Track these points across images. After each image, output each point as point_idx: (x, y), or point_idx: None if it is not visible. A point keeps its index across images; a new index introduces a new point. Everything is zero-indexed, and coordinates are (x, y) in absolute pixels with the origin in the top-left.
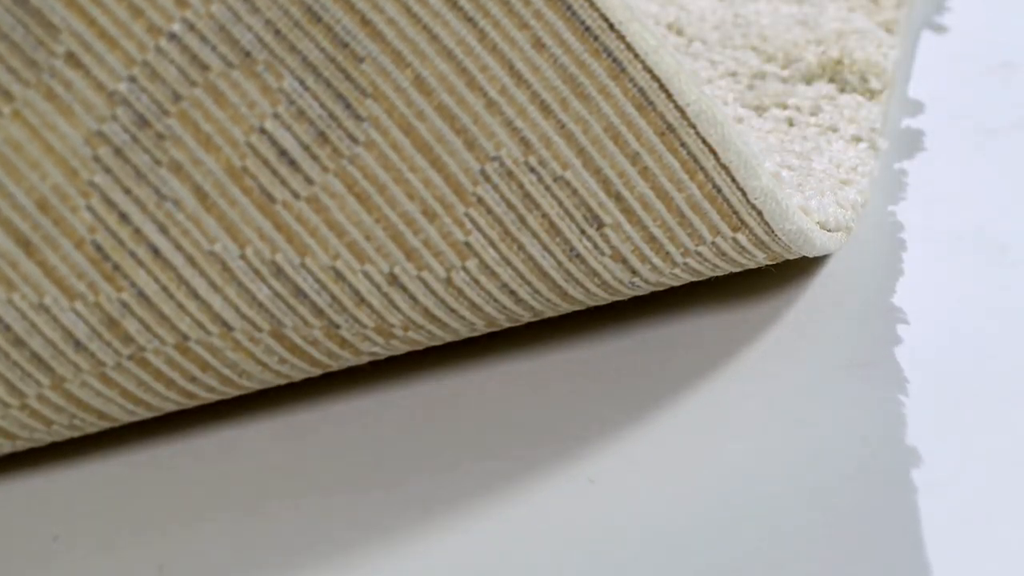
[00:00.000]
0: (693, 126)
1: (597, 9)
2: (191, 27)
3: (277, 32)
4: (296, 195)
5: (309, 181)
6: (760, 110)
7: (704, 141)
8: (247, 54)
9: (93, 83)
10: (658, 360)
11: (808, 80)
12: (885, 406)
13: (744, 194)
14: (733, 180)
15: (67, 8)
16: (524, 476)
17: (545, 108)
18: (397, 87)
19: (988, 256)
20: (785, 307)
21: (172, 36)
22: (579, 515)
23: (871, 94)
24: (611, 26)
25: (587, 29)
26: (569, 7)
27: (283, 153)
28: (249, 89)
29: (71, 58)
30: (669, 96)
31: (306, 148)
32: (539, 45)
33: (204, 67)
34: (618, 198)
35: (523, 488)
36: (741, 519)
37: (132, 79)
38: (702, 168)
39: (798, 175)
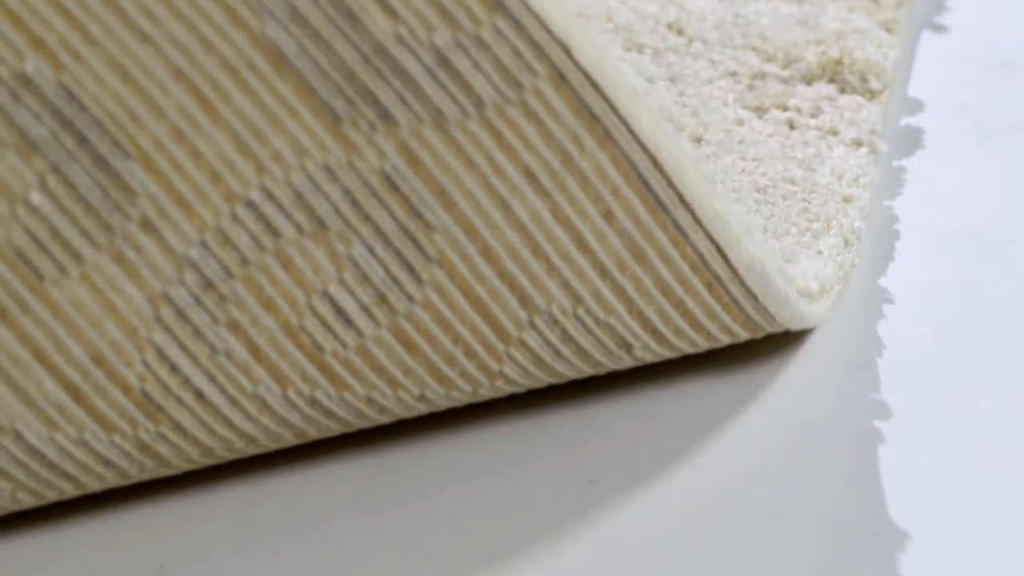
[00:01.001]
0: (741, 280)
1: (674, 187)
2: (269, 195)
3: (354, 202)
4: (345, 346)
5: (360, 334)
6: (760, 111)
7: (749, 290)
8: (321, 223)
9: (164, 248)
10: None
11: (808, 80)
12: (884, 406)
13: (775, 319)
14: (769, 314)
15: (147, 173)
16: (524, 476)
17: (603, 271)
18: (464, 255)
19: (988, 255)
20: None
21: (249, 204)
22: (579, 515)
23: (871, 95)
24: (683, 200)
25: (660, 204)
26: (646, 183)
27: (340, 313)
28: (318, 255)
29: (146, 223)
30: (725, 259)
31: (364, 309)
32: (609, 216)
33: (276, 233)
34: (654, 332)
35: (523, 488)
36: (740, 519)
37: (204, 244)
38: (743, 310)
39: (802, 216)
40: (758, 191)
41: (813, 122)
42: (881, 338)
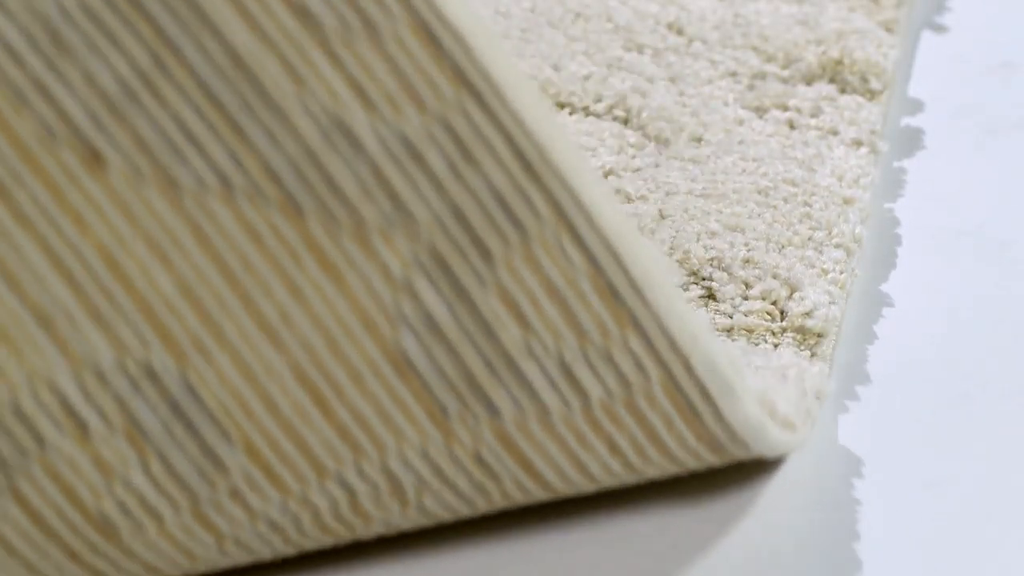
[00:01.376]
0: (747, 448)
1: (730, 429)
2: (362, 474)
3: (443, 479)
4: (392, 529)
5: (388, 525)
6: (760, 111)
7: (752, 453)
8: (400, 487)
9: (247, 511)
10: None
11: (808, 80)
12: (884, 406)
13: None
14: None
15: (249, 459)
16: None
17: (636, 475)
18: (521, 487)
19: (988, 255)
20: None
21: (341, 480)
22: (583, 515)
23: (871, 95)
24: (732, 432)
25: (709, 432)
26: (713, 435)
27: (383, 523)
28: (391, 506)
29: (234, 494)
30: (745, 448)
31: (407, 519)
32: (665, 453)
33: (354, 495)
34: (650, 477)
35: None
36: (741, 519)
37: (284, 506)
38: (737, 458)
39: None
40: (759, 192)
41: (813, 122)
42: (881, 338)
